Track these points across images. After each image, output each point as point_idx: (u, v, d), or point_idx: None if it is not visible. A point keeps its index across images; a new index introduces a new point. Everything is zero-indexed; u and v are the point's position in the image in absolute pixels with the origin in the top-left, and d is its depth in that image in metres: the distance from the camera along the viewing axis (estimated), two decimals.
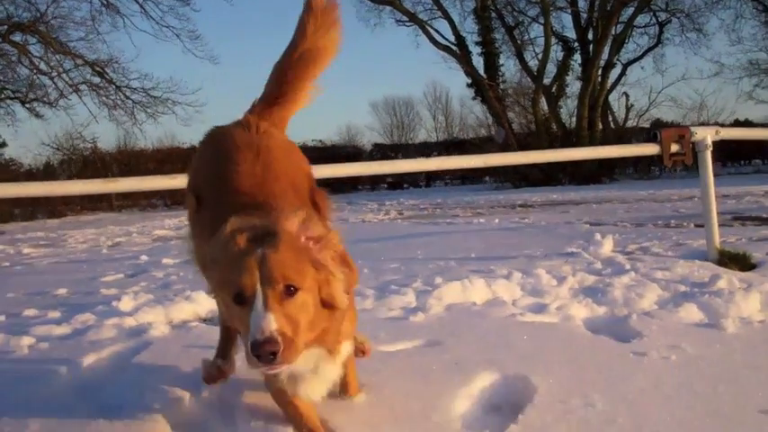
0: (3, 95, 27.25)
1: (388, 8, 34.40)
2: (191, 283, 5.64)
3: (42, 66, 26.16)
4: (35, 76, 26.46)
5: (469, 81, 33.21)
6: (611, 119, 34.91)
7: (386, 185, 37.46)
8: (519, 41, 33.44)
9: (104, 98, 27.11)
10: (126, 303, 5.06)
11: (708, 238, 6.02)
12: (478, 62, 32.96)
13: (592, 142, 28.01)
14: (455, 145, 39.95)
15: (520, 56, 33.30)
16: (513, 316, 4.17)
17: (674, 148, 5.86)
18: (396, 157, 33.37)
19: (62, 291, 6.19)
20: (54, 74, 26.37)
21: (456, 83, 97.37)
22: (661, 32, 34.63)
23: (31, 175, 30.03)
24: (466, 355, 3.32)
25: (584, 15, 32.65)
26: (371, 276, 5.80)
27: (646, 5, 32.35)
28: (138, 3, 26.58)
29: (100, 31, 26.65)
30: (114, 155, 32.68)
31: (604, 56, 31.88)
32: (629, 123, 34.68)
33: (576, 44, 32.95)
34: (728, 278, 4.75)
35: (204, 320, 4.64)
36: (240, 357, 2.67)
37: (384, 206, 19.26)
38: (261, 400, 2.63)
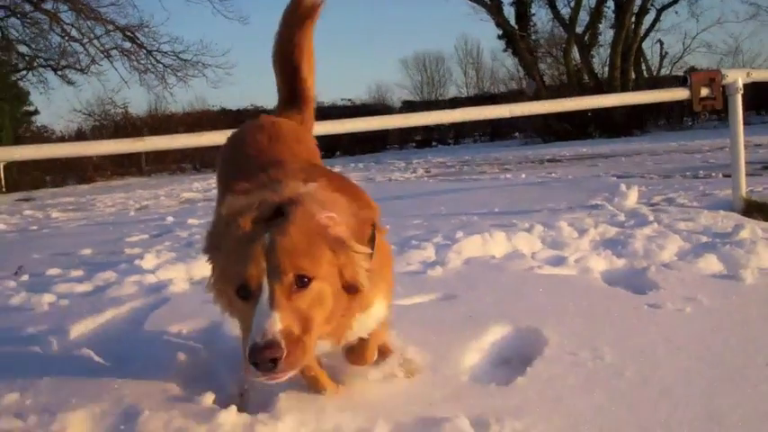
0: (35, 63, 27.59)
1: None
2: None
3: (74, 33, 26.33)
4: (67, 44, 26.71)
5: (500, 32, 32.55)
6: (644, 68, 34.04)
7: (414, 144, 37.18)
8: None
9: (135, 63, 27.22)
10: (148, 261, 5.14)
11: (734, 187, 5.89)
12: (509, 12, 32.22)
13: (624, 92, 27.37)
14: (486, 99, 39.23)
15: (552, 4, 32.41)
16: (531, 269, 4.15)
17: (704, 92, 5.71)
18: None
19: (86, 251, 6.31)
20: (85, 40, 26.54)
21: (487, 35, 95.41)
22: None
23: (63, 141, 30.42)
24: (480, 309, 3.32)
25: None
26: (393, 232, 5.78)
27: None
28: None
29: None
30: (145, 119, 32.87)
31: (638, 1, 30.92)
32: (663, 72, 33.78)
33: None
34: (752, 228, 4.65)
35: None
36: None
37: (411, 164, 19.17)
38: None
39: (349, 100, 38.45)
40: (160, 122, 31.33)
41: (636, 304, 3.27)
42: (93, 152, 9.43)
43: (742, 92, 5.77)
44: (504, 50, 33.66)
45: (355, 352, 2.34)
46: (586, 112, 22.75)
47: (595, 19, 31.94)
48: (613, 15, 31.62)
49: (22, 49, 27.32)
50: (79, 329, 3.40)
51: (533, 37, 32.56)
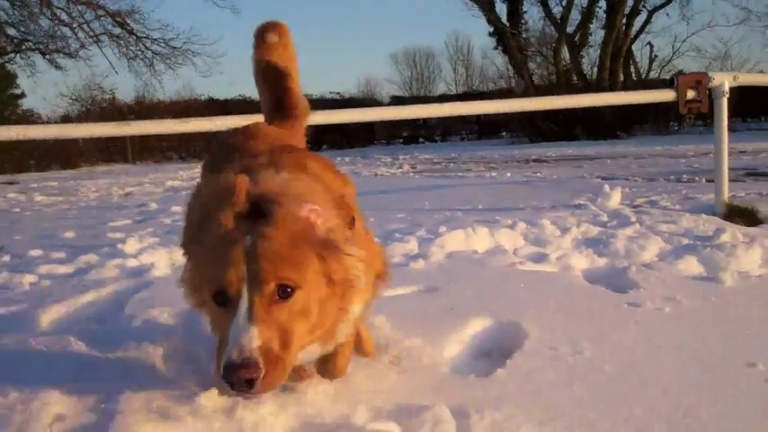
0: (24, 47, 27.25)
1: None
2: None
3: (63, 17, 26.04)
4: (56, 28, 26.38)
5: (491, 30, 32.61)
6: (633, 70, 34.19)
7: (401, 140, 37.15)
8: None
9: (124, 49, 26.92)
10: (131, 246, 5.12)
11: (717, 191, 5.94)
12: (501, 9, 32.37)
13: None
14: (474, 97, 39.25)
15: (543, 2, 32.46)
16: (513, 265, 4.18)
17: (690, 94, 5.73)
18: None
19: (69, 234, 6.28)
20: (75, 25, 26.19)
21: (478, 32, 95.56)
22: None
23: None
24: (461, 302, 3.33)
25: None
26: (376, 225, 5.80)
27: None
28: None
29: None
30: (132, 106, 32.63)
31: (630, 2, 31.06)
32: (652, 75, 33.98)
33: None
34: (732, 232, 4.71)
35: None
36: None
37: (398, 160, 19.18)
38: None
39: (337, 93, 38.39)
40: (147, 110, 31.10)
41: (616, 302, 3.30)
42: (79, 134, 9.36)
43: (728, 95, 5.81)
44: (495, 48, 33.83)
45: (327, 363, 2.22)
46: (574, 113, 22.81)
47: (587, 19, 32.10)
48: (605, 15, 31.79)
49: (11, 31, 26.95)
50: (60, 310, 3.38)
51: (524, 35, 32.68)
